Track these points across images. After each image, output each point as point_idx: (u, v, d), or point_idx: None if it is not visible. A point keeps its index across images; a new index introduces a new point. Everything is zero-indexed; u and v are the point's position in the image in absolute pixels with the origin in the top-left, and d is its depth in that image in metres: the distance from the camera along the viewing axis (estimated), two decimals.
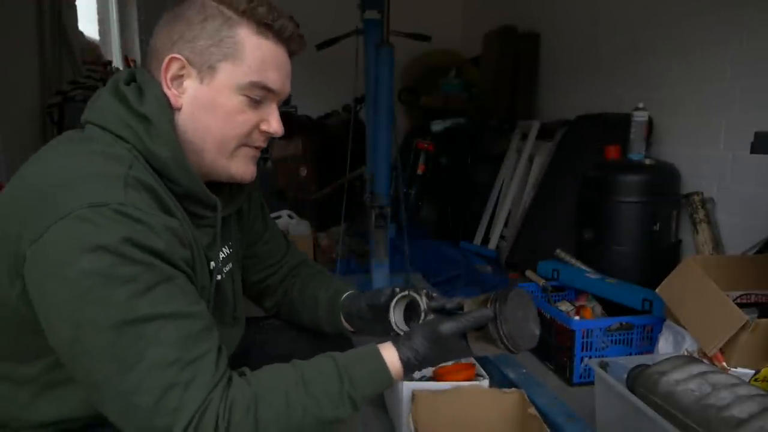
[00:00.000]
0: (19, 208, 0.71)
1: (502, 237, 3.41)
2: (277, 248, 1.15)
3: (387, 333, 0.95)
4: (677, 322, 1.63)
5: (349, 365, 0.80)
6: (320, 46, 2.68)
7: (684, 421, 1.14)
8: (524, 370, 1.76)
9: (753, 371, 1.37)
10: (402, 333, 0.93)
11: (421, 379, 1.60)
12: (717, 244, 2.23)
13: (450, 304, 0.91)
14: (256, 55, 0.81)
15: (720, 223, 2.27)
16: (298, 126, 3.85)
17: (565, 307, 2.06)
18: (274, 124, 0.86)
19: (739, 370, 1.40)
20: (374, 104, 2.45)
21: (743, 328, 1.43)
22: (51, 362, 0.76)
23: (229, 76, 0.81)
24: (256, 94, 0.83)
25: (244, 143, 0.85)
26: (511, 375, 1.73)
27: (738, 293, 1.70)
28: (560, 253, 2.38)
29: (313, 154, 3.88)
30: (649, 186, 2.27)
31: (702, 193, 2.29)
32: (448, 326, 0.84)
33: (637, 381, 1.31)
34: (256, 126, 0.85)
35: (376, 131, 2.43)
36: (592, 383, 1.54)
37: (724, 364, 1.45)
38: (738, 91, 2.17)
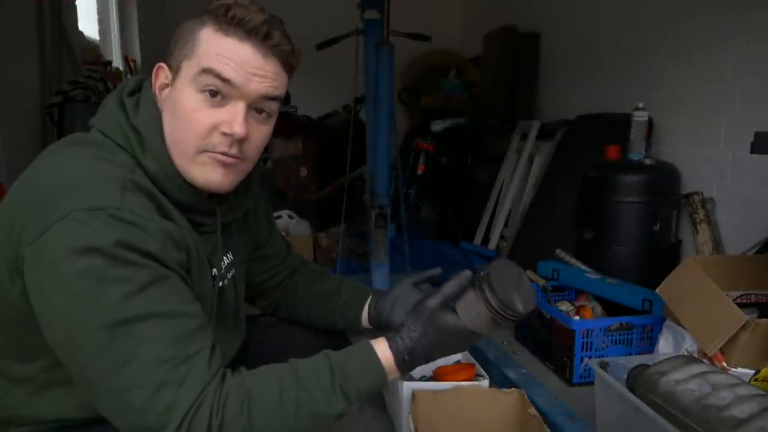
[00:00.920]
0: (23, 208, 0.72)
1: (502, 237, 3.40)
2: (281, 250, 1.17)
3: None
4: (677, 322, 1.63)
5: (341, 359, 0.80)
6: (320, 46, 2.69)
7: (684, 421, 1.14)
8: (524, 370, 1.76)
9: (753, 371, 1.37)
10: None
11: (421, 379, 1.60)
12: (717, 244, 2.23)
13: (430, 272, 0.91)
14: (211, 46, 0.79)
15: (720, 223, 2.26)
16: (298, 126, 3.85)
17: (565, 307, 2.06)
18: (234, 126, 0.79)
19: (739, 370, 1.39)
20: (374, 104, 2.45)
21: (743, 328, 1.43)
22: (49, 362, 0.77)
23: (186, 71, 0.80)
24: (211, 85, 0.78)
25: (203, 148, 0.80)
26: (511, 375, 1.73)
27: (738, 293, 1.70)
28: (560, 253, 2.38)
29: (313, 154, 3.89)
30: (649, 186, 2.27)
31: (702, 193, 2.29)
32: (432, 300, 0.84)
33: (637, 381, 1.31)
34: (215, 127, 0.79)
35: (376, 131, 2.44)
36: (592, 383, 1.54)
37: (724, 364, 1.45)
38: (738, 91, 2.17)
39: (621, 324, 1.88)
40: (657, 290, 1.70)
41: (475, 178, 3.70)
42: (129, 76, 3.67)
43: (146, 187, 0.76)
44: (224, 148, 0.80)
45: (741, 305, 1.55)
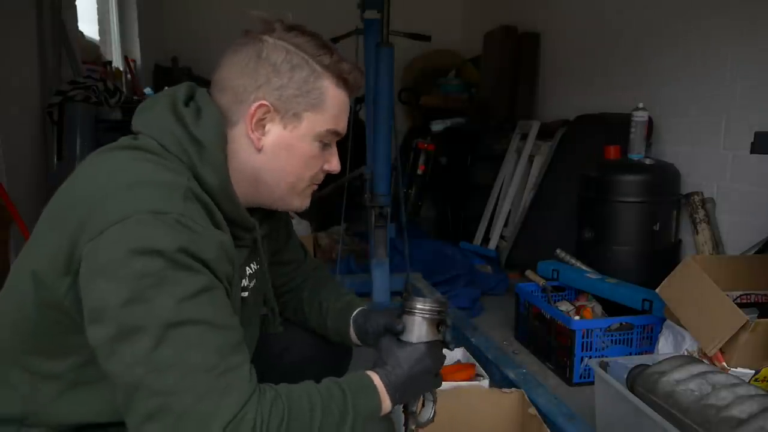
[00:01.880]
0: (81, 206, 0.73)
1: (502, 237, 3.41)
2: (297, 255, 1.20)
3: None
4: (677, 322, 1.63)
5: (354, 398, 0.83)
6: None
7: (684, 421, 1.15)
8: (524, 370, 1.76)
9: (753, 371, 1.37)
10: None
11: None
12: (717, 244, 2.23)
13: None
14: (336, 105, 0.89)
15: (720, 223, 2.27)
16: None
17: (565, 307, 2.07)
18: (334, 163, 0.94)
19: (739, 370, 1.40)
20: (374, 104, 2.45)
21: (743, 328, 1.43)
22: (80, 361, 0.77)
23: (312, 124, 0.88)
24: (329, 139, 0.91)
25: (310, 182, 0.94)
26: (511, 375, 1.73)
27: (738, 293, 1.70)
28: (560, 253, 2.38)
29: None
30: (649, 186, 2.27)
31: (702, 193, 2.29)
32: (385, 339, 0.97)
33: (637, 381, 1.31)
34: (322, 166, 0.93)
35: (376, 131, 2.44)
36: (592, 383, 1.54)
37: (724, 364, 1.45)
38: (738, 92, 2.17)
39: (621, 324, 1.88)
40: (657, 290, 1.70)
41: (475, 178, 3.70)
42: (129, 76, 3.67)
43: (204, 198, 0.78)
44: (320, 180, 0.96)
45: (741, 305, 1.56)
